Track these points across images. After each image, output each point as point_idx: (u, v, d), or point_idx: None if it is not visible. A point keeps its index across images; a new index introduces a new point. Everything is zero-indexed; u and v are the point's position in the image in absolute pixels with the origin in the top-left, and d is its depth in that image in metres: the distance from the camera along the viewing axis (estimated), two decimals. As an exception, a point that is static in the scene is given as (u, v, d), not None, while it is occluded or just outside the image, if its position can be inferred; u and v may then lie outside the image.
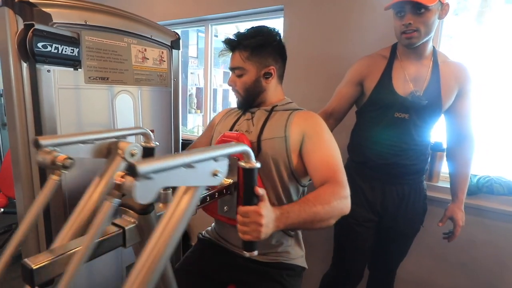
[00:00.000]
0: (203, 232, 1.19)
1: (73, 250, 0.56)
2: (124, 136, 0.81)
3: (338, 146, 0.96)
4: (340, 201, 0.82)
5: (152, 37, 1.23)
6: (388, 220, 1.29)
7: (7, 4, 0.86)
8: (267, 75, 1.02)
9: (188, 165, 0.54)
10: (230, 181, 0.92)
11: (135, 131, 0.86)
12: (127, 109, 1.20)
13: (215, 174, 0.60)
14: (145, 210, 0.65)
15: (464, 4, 1.65)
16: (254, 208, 0.68)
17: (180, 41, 1.36)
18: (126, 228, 0.64)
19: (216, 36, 3.09)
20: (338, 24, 1.64)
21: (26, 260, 0.50)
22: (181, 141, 1.49)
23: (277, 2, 1.83)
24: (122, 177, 0.47)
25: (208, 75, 2.40)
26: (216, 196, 0.91)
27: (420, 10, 1.03)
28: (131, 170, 0.45)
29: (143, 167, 0.45)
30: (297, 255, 1.06)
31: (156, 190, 0.49)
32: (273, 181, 0.98)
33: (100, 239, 0.60)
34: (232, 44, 1.02)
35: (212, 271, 1.05)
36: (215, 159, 0.60)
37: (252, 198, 0.69)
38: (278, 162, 0.96)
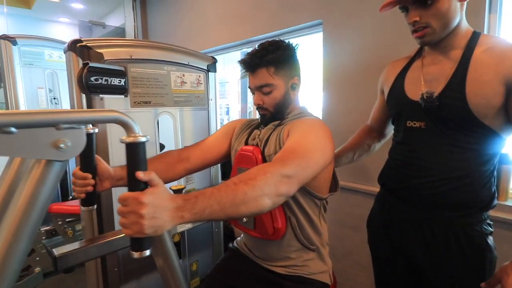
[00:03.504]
0: (234, 242, 1.25)
1: (90, 245, 0.68)
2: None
3: (325, 145, 0.89)
4: (270, 176, 0.69)
5: (189, 64, 1.38)
6: (415, 269, 0.99)
7: (71, 49, 1.10)
8: (294, 86, 1.04)
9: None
10: None
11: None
12: (168, 128, 1.36)
13: (57, 146, 0.50)
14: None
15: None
16: (133, 194, 0.55)
17: (217, 64, 1.50)
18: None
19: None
20: (379, 32, 1.58)
21: (53, 249, 0.64)
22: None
23: (315, 17, 1.86)
24: None
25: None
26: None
27: (425, 2, 0.82)
28: None
29: None
30: (318, 270, 1.03)
31: None
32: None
33: (113, 238, 0.72)
34: (255, 62, 0.99)
35: (235, 280, 1.09)
36: (55, 125, 0.49)
37: (136, 182, 0.56)
38: None
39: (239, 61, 1.03)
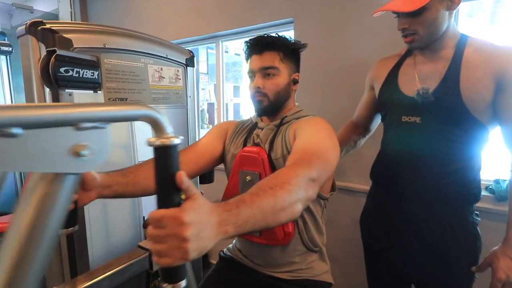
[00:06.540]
0: (225, 249, 1.17)
1: (96, 280, 0.54)
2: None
3: (335, 144, 0.86)
4: (301, 179, 0.64)
5: (168, 56, 1.24)
6: (411, 263, 1.03)
7: (30, 32, 0.89)
8: (295, 81, 1.02)
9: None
10: None
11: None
12: (145, 128, 1.20)
13: (77, 153, 0.36)
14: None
15: (478, 5, 1.62)
16: (171, 212, 0.43)
17: (194, 58, 1.38)
18: (153, 250, 0.62)
19: (227, 52, 3.14)
20: (348, 32, 1.63)
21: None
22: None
23: (287, 15, 1.85)
24: None
25: (220, 90, 2.42)
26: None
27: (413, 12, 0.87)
28: None
29: None
30: (321, 270, 1.02)
31: None
32: None
33: (126, 264, 0.59)
34: (266, 42, 0.94)
35: (236, 290, 1.01)
36: (76, 125, 0.36)
37: (169, 196, 0.45)
38: None
39: (246, 41, 0.98)
